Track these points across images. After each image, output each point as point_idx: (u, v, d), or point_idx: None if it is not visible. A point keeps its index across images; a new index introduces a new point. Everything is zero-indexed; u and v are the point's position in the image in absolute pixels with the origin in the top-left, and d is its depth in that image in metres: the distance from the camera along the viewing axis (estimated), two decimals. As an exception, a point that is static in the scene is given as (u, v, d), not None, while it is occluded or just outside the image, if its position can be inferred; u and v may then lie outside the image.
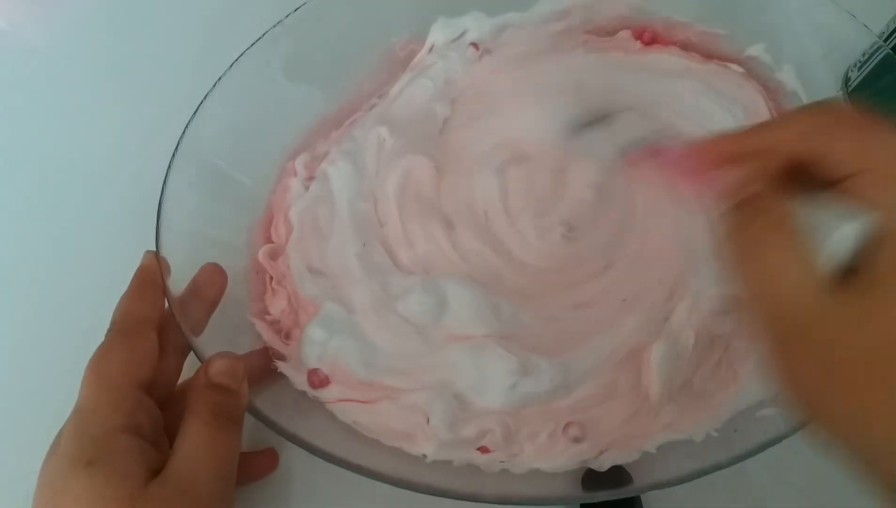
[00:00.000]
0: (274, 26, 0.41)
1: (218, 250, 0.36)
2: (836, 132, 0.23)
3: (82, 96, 0.50)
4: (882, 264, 0.21)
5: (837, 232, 0.22)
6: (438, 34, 0.45)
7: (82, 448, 0.27)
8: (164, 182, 0.35)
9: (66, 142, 0.48)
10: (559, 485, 0.32)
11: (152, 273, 0.32)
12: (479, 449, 0.32)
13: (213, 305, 0.34)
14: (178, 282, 0.33)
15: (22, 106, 0.50)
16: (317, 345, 0.35)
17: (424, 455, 0.32)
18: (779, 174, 0.24)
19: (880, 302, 0.21)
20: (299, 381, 0.34)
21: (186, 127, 0.37)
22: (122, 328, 0.30)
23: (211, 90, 0.39)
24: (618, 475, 0.31)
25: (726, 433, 0.32)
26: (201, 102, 0.38)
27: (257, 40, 0.40)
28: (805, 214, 0.23)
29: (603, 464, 0.31)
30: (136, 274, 0.32)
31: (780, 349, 0.23)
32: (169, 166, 0.36)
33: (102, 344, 0.29)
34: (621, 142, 0.28)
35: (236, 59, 0.40)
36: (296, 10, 0.41)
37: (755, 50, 0.43)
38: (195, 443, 0.28)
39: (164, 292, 0.32)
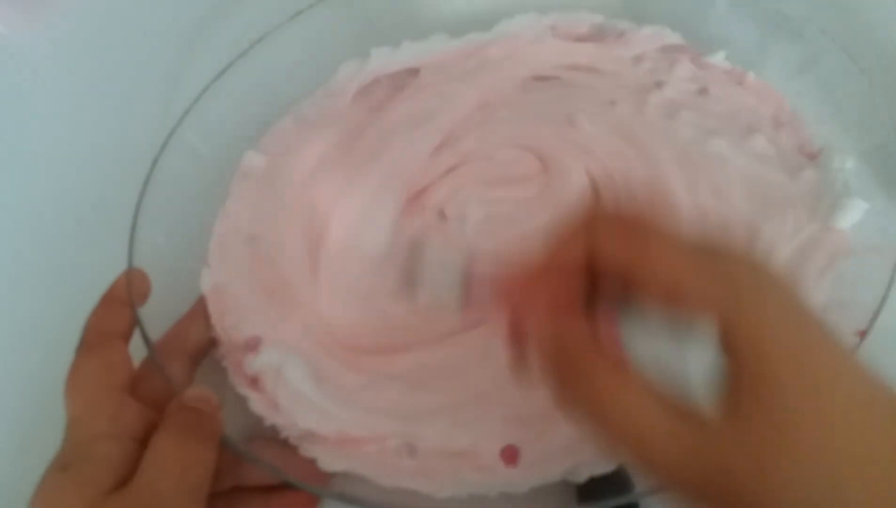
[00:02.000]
0: (237, 57, 0.42)
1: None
2: (604, 235, 0.23)
3: (78, 102, 0.50)
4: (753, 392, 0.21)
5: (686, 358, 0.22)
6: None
7: (64, 453, 0.28)
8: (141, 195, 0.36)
9: (61, 146, 0.49)
10: (558, 497, 0.32)
11: (120, 289, 0.33)
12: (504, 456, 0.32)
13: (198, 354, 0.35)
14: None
15: (17, 110, 0.51)
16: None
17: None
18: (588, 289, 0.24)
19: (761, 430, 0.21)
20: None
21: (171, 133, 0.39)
22: (89, 342, 0.31)
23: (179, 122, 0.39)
24: (615, 481, 0.31)
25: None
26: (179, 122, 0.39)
27: (222, 72, 0.41)
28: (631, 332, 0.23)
29: (580, 476, 0.31)
30: (105, 291, 0.33)
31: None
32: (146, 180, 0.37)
33: (73, 361, 0.30)
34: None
35: (200, 94, 0.41)
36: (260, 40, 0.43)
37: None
38: (162, 455, 0.27)
39: (132, 306, 0.32)
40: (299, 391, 0.33)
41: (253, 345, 0.35)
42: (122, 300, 0.33)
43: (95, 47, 0.53)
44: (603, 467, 0.31)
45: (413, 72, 0.46)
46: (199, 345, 0.35)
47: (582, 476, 0.31)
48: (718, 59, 0.44)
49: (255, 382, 0.34)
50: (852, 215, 0.36)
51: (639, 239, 0.23)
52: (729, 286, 0.22)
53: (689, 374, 0.22)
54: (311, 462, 0.32)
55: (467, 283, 0.27)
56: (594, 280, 0.24)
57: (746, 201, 0.38)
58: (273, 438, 0.33)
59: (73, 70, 0.52)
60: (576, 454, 0.31)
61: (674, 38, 0.45)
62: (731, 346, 0.22)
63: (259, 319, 0.36)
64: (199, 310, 0.36)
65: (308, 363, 0.34)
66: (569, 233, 0.24)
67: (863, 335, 0.31)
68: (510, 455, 0.32)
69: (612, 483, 0.31)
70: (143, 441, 0.28)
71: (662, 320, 0.23)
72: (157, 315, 0.34)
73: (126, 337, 0.32)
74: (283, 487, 0.32)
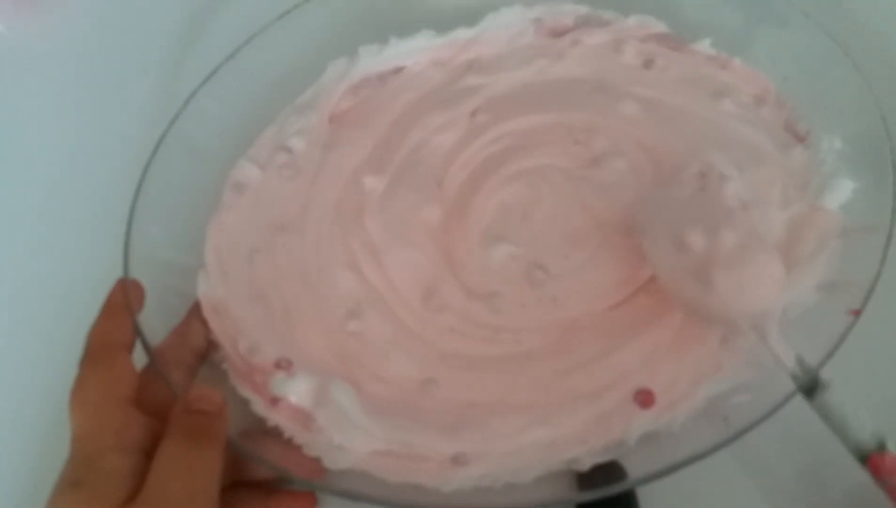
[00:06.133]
0: (226, 59, 0.42)
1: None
2: None
3: (75, 101, 0.51)
4: None
5: None
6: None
7: (73, 469, 0.27)
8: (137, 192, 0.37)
9: (58, 144, 0.49)
10: (559, 487, 0.32)
11: (118, 298, 0.33)
12: None
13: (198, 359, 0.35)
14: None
15: (15, 109, 0.51)
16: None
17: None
18: None
19: None
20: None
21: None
22: (93, 354, 0.31)
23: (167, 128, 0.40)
24: (611, 471, 0.31)
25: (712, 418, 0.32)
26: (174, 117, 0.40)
27: (212, 74, 0.42)
28: None
29: (584, 463, 0.31)
30: (105, 301, 0.33)
31: None
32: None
33: (77, 375, 0.30)
34: None
35: (190, 96, 0.41)
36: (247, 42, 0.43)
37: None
38: (170, 463, 0.27)
39: (132, 314, 0.32)
40: (347, 415, 0.32)
41: (285, 366, 0.34)
42: (123, 307, 0.32)
43: (93, 47, 0.53)
44: (605, 455, 0.31)
45: (398, 69, 0.46)
46: (198, 350, 0.35)
47: (586, 465, 0.31)
48: (704, 46, 0.44)
49: (275, 401, 0.33)
50: (841, 196, 0.36)
51: None
52: None
53: None
54: (312, 460, 0.32)
55: None
56: None
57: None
58: (272, 433, 0.33)
59: (70, 69, 0.52)
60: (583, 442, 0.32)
61: (659, 26, 0.45)
62: None
63: (278, 340, 0.36)
64: (196, 314, 0.36)
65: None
66: None
67: (857, 313, 0.31)
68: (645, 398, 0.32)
69: (608, 472, 0.31)
70: (150, 453, 0.28)
71: None
72: (156, 312, 0.34)
73: (129, 347, 0.32)
74: (283, 487, 0.32)
